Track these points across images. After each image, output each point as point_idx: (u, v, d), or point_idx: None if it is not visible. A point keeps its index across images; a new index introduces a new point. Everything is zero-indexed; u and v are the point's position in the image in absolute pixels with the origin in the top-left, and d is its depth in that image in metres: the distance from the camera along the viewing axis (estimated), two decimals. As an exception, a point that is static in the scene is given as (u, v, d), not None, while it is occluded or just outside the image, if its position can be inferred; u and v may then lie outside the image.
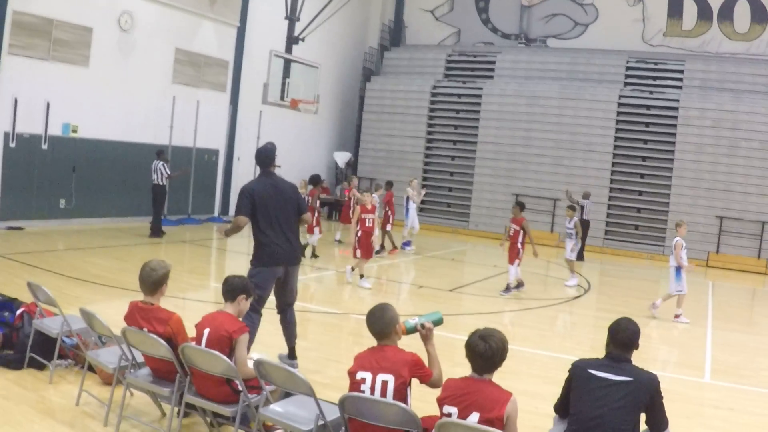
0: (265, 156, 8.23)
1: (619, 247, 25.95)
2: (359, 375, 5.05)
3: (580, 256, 21.91)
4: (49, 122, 18.51)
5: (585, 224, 22.43)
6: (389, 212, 19.73)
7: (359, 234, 14.86)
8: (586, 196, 22.84)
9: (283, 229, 8.03)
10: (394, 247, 20.07)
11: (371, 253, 15.50)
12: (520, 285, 15.48)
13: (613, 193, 26.58)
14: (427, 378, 5.15)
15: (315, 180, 18.82)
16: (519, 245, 14.99)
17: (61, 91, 18.67)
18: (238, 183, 25.49)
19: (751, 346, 12.72)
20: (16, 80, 17.73)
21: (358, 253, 14.83)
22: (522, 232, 14.94)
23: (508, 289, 15.19)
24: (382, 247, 19.51)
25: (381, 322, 5.28)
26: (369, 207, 15.05)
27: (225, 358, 5.54)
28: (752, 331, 14.35)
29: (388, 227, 19.80)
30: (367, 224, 14.90)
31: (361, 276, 14.82)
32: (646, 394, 4.79)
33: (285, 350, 8.44)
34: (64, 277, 12.49)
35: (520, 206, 15.27)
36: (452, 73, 30.50)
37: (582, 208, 22.23)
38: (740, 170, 24.67)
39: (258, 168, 8.31)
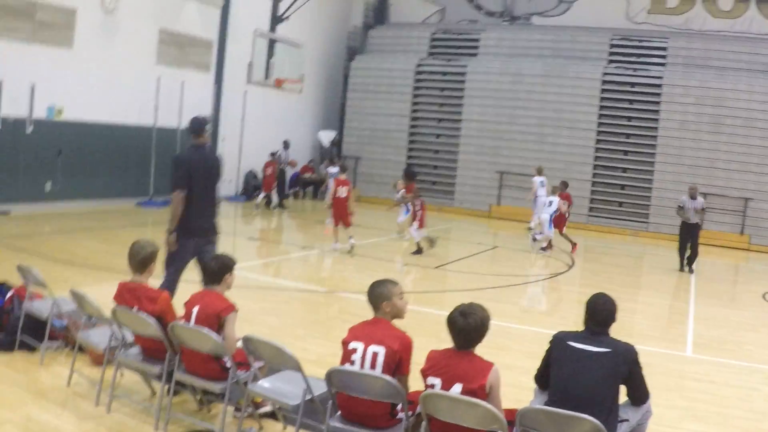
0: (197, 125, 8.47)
1: (603, 223, 26.12)
2: (351, 345, 5.15)
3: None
4: (34, 105, 18.42)
5: None
6: (566, 214, 19.07)
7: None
8: (540, 171, 22.75)
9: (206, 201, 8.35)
10: (573, 244, 18.95)
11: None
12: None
13: (597, 170, 26.68)
14: (403, 373, 5.11)
15: (411, 174, 18.30)
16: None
17: (45, 74, 18.52)
18: (224, 163, 25.47)
19: (733, 320, 12.91)
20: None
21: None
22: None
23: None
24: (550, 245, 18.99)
25: (383, 287, 5.34)
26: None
27: (213, 335, 5.60)
28: (734, 306, 14.56)
29: (564, 229, 19.10)
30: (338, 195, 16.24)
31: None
32: (625, 365, 4.93)
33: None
34: (52, 260, 12.51)
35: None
36: (437, 51, 30.42)
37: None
38: (723, 147, 24.79)
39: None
